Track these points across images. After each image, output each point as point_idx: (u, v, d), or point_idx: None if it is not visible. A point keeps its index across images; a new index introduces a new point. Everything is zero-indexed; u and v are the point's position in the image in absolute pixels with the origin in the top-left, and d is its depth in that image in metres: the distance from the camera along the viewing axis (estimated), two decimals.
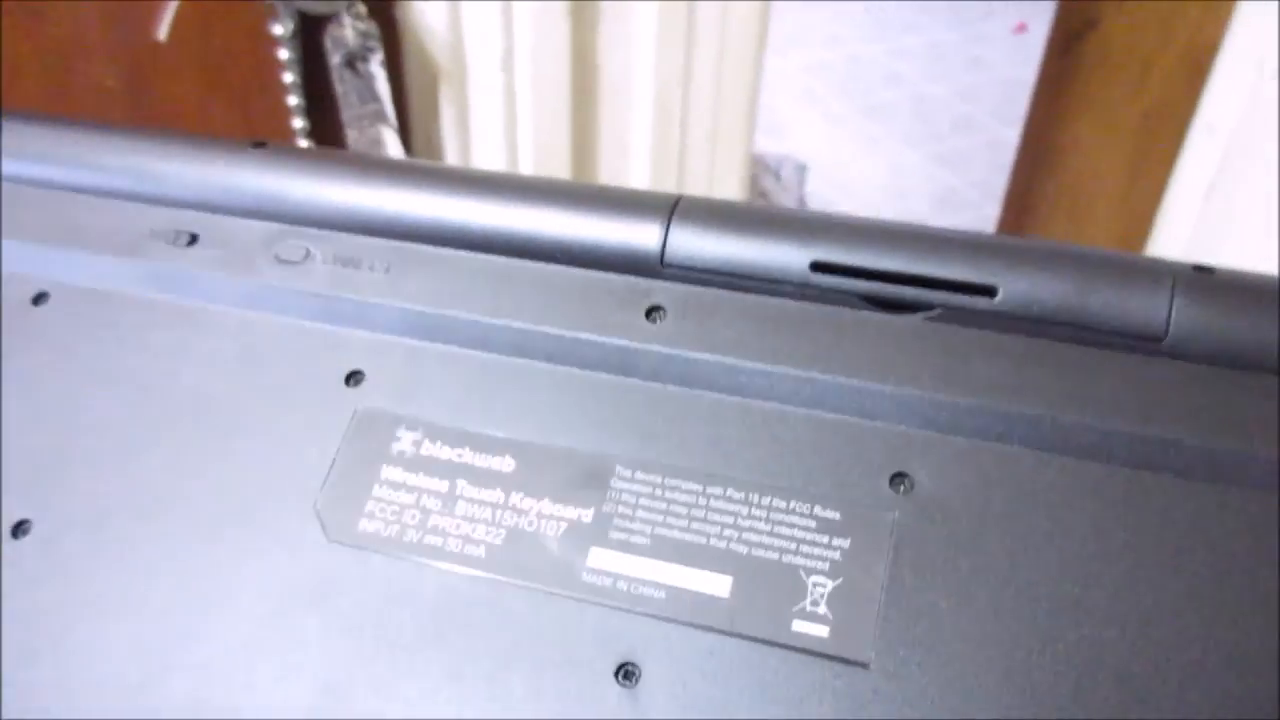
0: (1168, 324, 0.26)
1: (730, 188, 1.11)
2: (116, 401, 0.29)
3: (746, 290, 0.28)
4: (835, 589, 0.24)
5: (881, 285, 0.27)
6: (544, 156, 0.95)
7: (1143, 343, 0.26)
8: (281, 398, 0.29)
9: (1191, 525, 0.24)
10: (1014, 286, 0.26)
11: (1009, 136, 1.94)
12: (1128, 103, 1.41)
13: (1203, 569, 0.23)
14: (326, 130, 0.85)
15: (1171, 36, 1.32)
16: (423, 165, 0.33)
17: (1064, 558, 0.24)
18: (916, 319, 0.27)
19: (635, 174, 1.03)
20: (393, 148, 0.87)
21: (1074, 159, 1.53)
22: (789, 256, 0.28)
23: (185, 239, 0.32)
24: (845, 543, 0.25)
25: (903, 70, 2.29)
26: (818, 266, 0.28)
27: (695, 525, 0.25)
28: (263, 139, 0.33)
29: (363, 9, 0.82)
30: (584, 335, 0.28)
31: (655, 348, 0.28)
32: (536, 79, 0.91)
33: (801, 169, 1.76)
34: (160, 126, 0.34)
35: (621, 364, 0.28)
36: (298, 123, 0.84)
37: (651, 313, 0.28)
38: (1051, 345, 0.26)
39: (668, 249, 0.29)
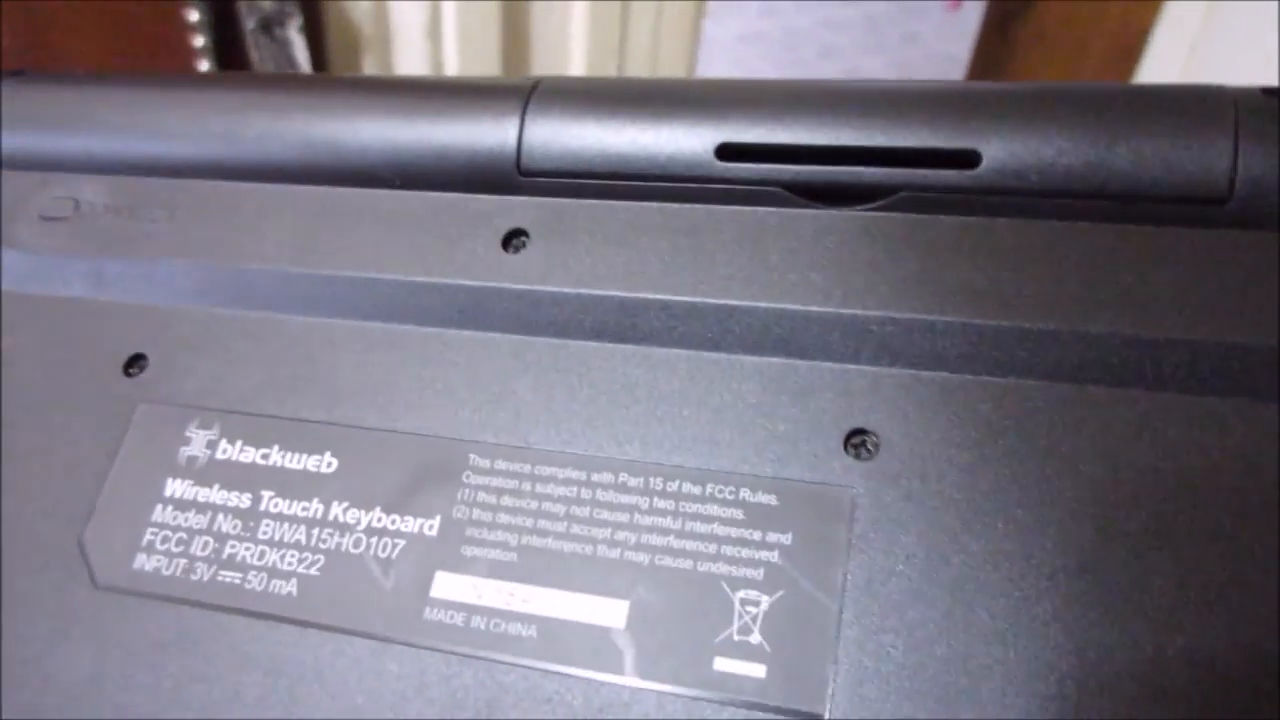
0: (1232, 178, 0.18)
1: None
2: None
3: (633, 195, 0.21)
4: (773, 607, 0.18)
5: (814, 168, 0.20)
6: None
7: (1200, 207, 0.18)
8: (50, 395, 0.23)
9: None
10: (1001, 148, 0.19)
11: None
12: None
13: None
14: None
15: (1103, 20, 1.33)
16: (204, 77, 0.26)
17: (1083, 536, 0.17)
18: (866, 211, 0.20)
19: None
20: None
21: None
22: (687, 141, 0.20)
23: None
24: (785, 538, 0.18)
25: (838, 42, 2.28)
26: (727, 151, 0.20)
27: (577, 529, 0.19)
28: (17, 69, 0.27)
29: None
30: (423, 278, 0.21)
31: (516, 285, 0.21)
32: (465, 49, 0.87)
33: None
34: None
35: (474, 312, 0.21)
36: None
37: (511, 239, 0.21)
38: (1058, 228, 0.18)
39: (525, 149, 0.22)
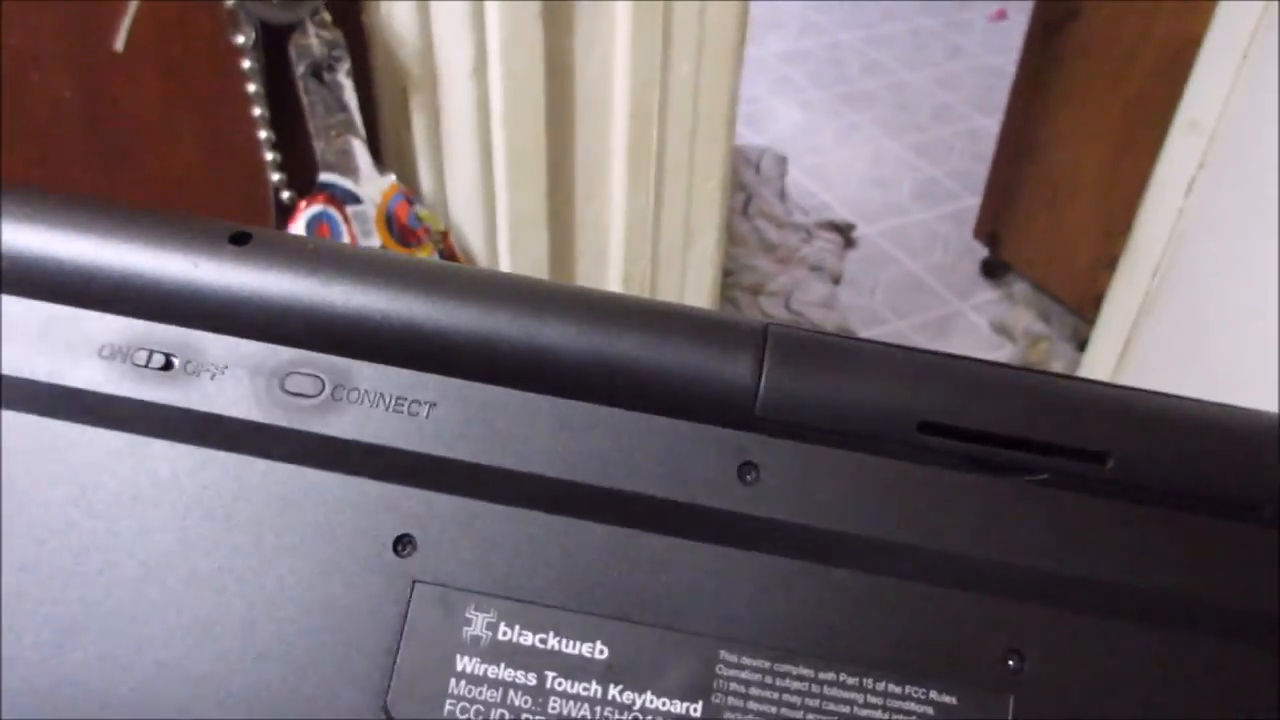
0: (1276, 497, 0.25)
1: (711, 187, 1.09)
2: (89, 580, 0.24)
3: (846, 446, 0.26)
4: None
5: (990, 449, 0.25)
6: (518, 165, 0.93)
7: (1240, 510, 0.25)
8: (318, 572, 0.25)
9: None
10: (1124, 454, 0.25)
11: (988, 126, 1.93)
12: (1108, 95, 1.40)
13: None
14: (294, 141, 0.83)
15: (1151, 29, 1.31)
16: (465, 272, 0.27)
17: None
18: (1021, 483, 0.25)
19: (614, 177, 1.01)
20: (361, 158, 0.85)
21: (1055, 151, 1.52)
22: (896, 414, 0.25)
23: (159, 361, 0.25)
24: None
25: (882, 58, 2.27)
26: (926, 427, 0.25)
27: (810, 717, 0.24)
28: (246, 229, 0.27)
29: (327, 18, 0.80)
30: (669, 497, 0.25)
31: (751, 512, 0.25)
32: (510, 85, 0.89)
33: (782, 161, 1.75)
34: (124, 203, 0.27)
35: (714, 531, 0.25)
36: (263, 133, 0.82)
37: (744, 470, 0.25)
38: (1165, 514, 0.25)
39: (762, 394, 0.25)
